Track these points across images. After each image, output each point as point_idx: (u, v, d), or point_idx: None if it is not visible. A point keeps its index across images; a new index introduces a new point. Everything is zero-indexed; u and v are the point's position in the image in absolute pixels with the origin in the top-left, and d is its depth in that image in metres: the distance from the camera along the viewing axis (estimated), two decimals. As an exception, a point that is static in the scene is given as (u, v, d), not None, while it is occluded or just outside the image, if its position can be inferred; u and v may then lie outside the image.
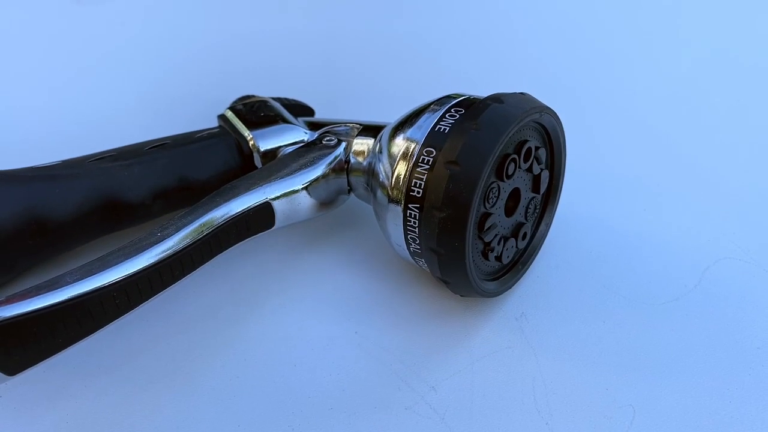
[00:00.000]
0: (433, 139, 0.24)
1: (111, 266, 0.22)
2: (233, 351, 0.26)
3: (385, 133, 0.27)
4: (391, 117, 0.31)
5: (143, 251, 0.22)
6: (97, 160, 0.28)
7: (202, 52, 0.47)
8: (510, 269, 0.28)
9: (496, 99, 0.24)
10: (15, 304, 0.20)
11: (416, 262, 0.26)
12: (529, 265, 0.29)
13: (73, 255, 0.29)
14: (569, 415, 0.24)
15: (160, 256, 0.23)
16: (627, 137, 0.39)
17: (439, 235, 0.23)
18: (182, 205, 0.29)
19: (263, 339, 0.26)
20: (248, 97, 0.34)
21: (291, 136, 0.30)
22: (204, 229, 0.24)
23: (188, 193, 0.29)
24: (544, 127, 0.26)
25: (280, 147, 0.29)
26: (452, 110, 0.25)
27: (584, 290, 0.28)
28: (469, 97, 0.26)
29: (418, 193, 0.24)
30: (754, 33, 0.49)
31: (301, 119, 0.32)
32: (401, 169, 0.24)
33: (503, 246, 0.26)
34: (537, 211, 0.28)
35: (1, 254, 0.25)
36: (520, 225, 0.27)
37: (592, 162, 0.34)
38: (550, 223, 0.29)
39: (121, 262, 0.22)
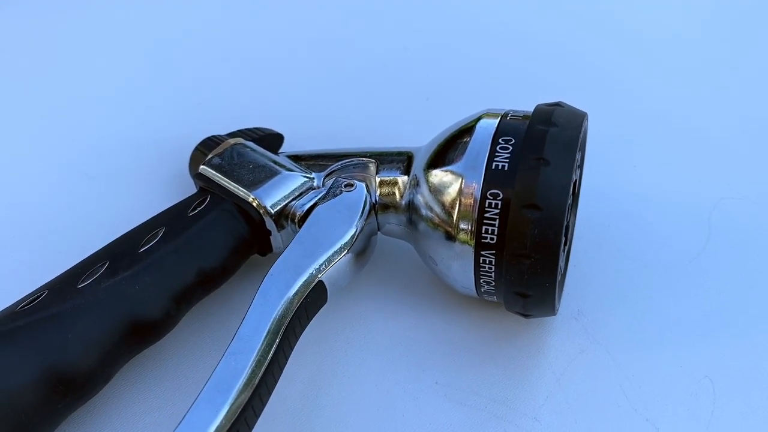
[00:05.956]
0: (495, 178, 0.22)
1: (209, 418, 0.19)
2: (326, 445, 0.24)
3: (420, 168, 0.25)
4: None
5: (229, 391, 0.19)
6: (90, 279, 0.23)
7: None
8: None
9: (547, 121, 0.23)
10: None
11: (483, 297, 0.25)
12: (569, 262, 0.29)
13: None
14: (661, 403, 0.25)
15: (250, 388, 0.20)
16: (597, 95, 0.39)
17: (529, 280, 0.22)
18: (204, 295, 0.25)
19: (348, 419, 0.24)
20: (214, 141, 0.29)
21: (295, 184, 0.27)
22: (273, 338, 0.21)
23: (209, 285, 0.25)
24: (579, 130, 0.25)
25: (288, 202, 0.26)
26: (500, 141, 0.23)
27: (618, 268, 0.29)
28: (506, 117, 0.24)
29: (492, 239, 0.22)
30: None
31: (283, 156, 0.29)
32: (461, 211, 0.23)
33: (565, 258, 0.26)
34: (571, 208, 0.28)
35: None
36: (567, 228, 0.27)
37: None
38: (576, 213, 0.29)
39: (216, 410, 0.19)
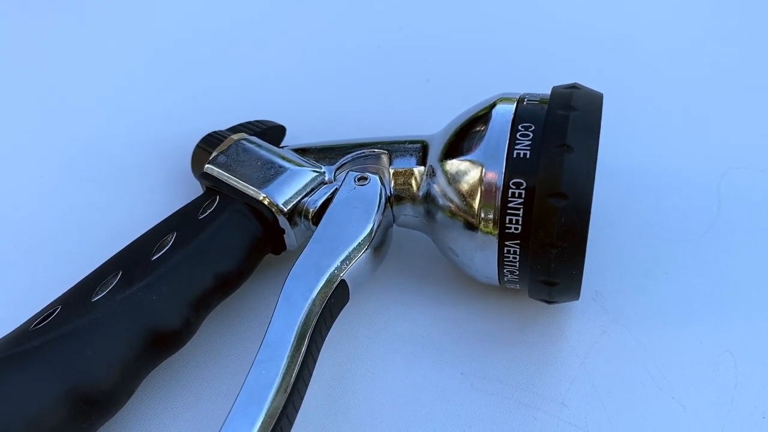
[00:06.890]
0: (517, 167, 0.22)
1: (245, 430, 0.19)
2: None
3: (435, 157, 0.24)
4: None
5: (263, 401, 0.19)
6: (104, 291, 0.22)
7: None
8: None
9: (567, 106, 0.22)
10: None
11: (506, 286, 0.25)
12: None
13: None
14: (685, 380, 0.25)
15: (283, 395, 0.20)
16: (599, 69, 0.38)
17: (556, 268, 0.22)
18: (223, 299, 0.24)
19: (376, 416, 0.24)
20: (216, 138, 0.28)
21: (306, 180, 0.26)
22: (301, 343, 0.21)
23: (227, 288, 0.24)
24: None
25: (300, 199, 0.25)
26: (520, 128, 0.22)
27: (633, 247, 0.29)
28: (522, 102, 0.23)
29: (516, 229, 0.22)
30: None
31: (289, 150, 0.28)
32: (483, 202, 0.22)
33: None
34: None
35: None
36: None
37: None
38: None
39: (252, 422, 0.19)
